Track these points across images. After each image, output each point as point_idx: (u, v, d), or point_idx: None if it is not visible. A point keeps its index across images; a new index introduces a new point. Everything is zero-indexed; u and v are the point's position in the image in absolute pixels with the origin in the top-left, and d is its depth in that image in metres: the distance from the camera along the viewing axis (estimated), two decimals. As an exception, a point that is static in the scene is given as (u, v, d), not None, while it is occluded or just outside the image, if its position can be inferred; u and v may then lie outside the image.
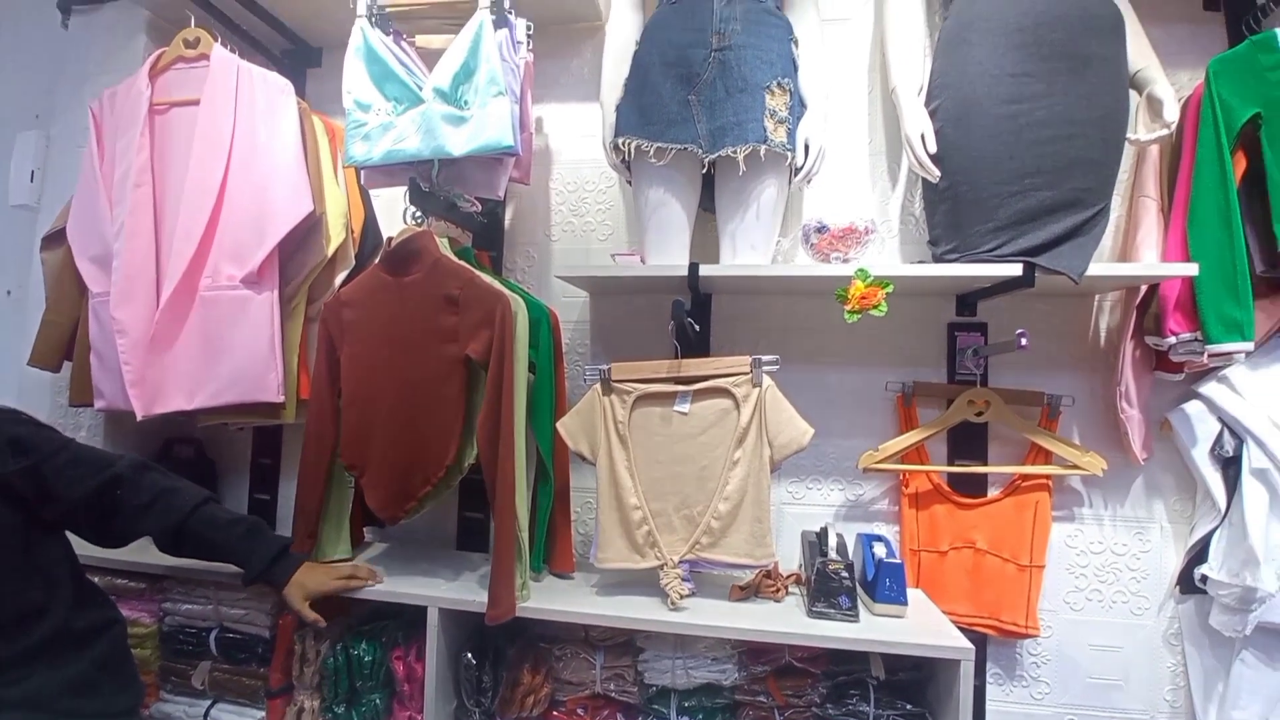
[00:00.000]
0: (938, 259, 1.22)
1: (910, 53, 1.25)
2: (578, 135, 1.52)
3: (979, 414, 1.27)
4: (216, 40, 1.42)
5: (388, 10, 1.27)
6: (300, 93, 1.53)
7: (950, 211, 1.18)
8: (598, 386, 1.19)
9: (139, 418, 1.30)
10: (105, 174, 1.41)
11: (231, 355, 1.33)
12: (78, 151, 1.66)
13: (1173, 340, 1.16)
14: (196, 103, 1.38)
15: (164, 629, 1.34)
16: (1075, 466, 1.23)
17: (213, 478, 1.68)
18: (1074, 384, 1.30)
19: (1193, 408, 1.22)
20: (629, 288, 1.41)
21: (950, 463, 1.31)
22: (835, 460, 1.37)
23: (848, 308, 1.11)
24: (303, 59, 1.72)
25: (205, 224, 1.34)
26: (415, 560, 1.37)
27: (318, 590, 1.12)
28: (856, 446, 1.33)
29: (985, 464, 1.30)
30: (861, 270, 1.10)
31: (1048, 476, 1.26)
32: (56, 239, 1.50)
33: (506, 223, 1.53)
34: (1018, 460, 1.30)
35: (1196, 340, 1.14)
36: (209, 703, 1.32)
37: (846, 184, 1.40)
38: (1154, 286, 1.20)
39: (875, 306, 1.09)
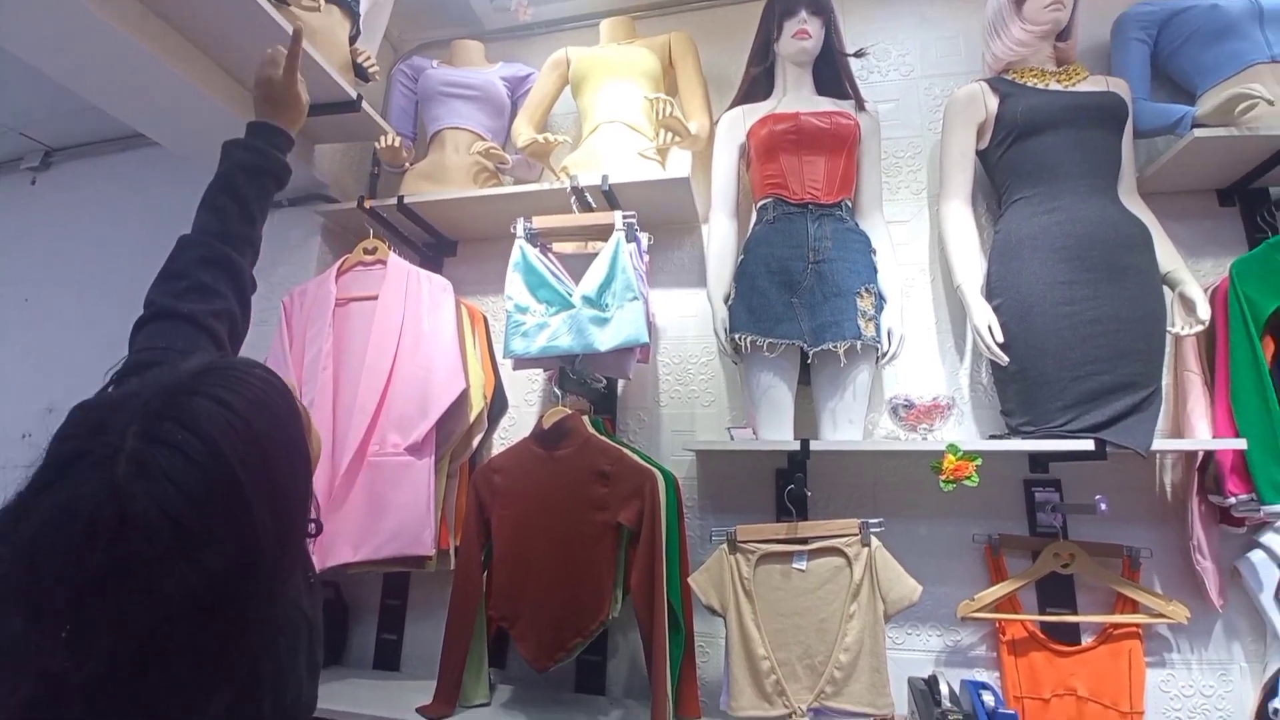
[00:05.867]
0: (1013, 429, 1.41)
1: (969, 254, 1.50)
2: (681, 315, 1.80)
3: (1065, 566, 1.40)
4: (390, 249, 1.76)
5: (538, 230, 1.59)
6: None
7: (1021, 390, 1.38)
8: (724, 546, 1.36)
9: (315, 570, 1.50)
10: (295, 356, 1.70)
11: (394, 513, 1.54)
12: (258, 329, 1.97)
13: (1232, 500, 1.31)
14: (373, 298, 1.69)
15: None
16: (1161, 615, 1.34)
17: (345, 618, 1.85)
18: (1148, 536, 1.43)
19: (1256, 556, 1.33)
20: (737, 452, 1.61)
21: (1041, 611, 1.42)
22: (931, 607, 1.49)
23: (942, 478, 1.29)
24: (441, 249, 2.06)
25: (378, 400, 1.61)
26: (546, 705, 1.49)
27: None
28: (950, 594, 1.45)
29: (1075, 613, 1.41)
30: (953, 445, 1.29)
31: (1138, 625, 1.36)
32: (241, 409, 1.78)
33: (620, 390, 1.77)
34: (1105, 609, 1.41)
35: (1253, 500, 1.29)
36: None
37: (919, 361, 1.62)
38: (1210, 452, 1.36)
39: (968, 477, 1.27)
